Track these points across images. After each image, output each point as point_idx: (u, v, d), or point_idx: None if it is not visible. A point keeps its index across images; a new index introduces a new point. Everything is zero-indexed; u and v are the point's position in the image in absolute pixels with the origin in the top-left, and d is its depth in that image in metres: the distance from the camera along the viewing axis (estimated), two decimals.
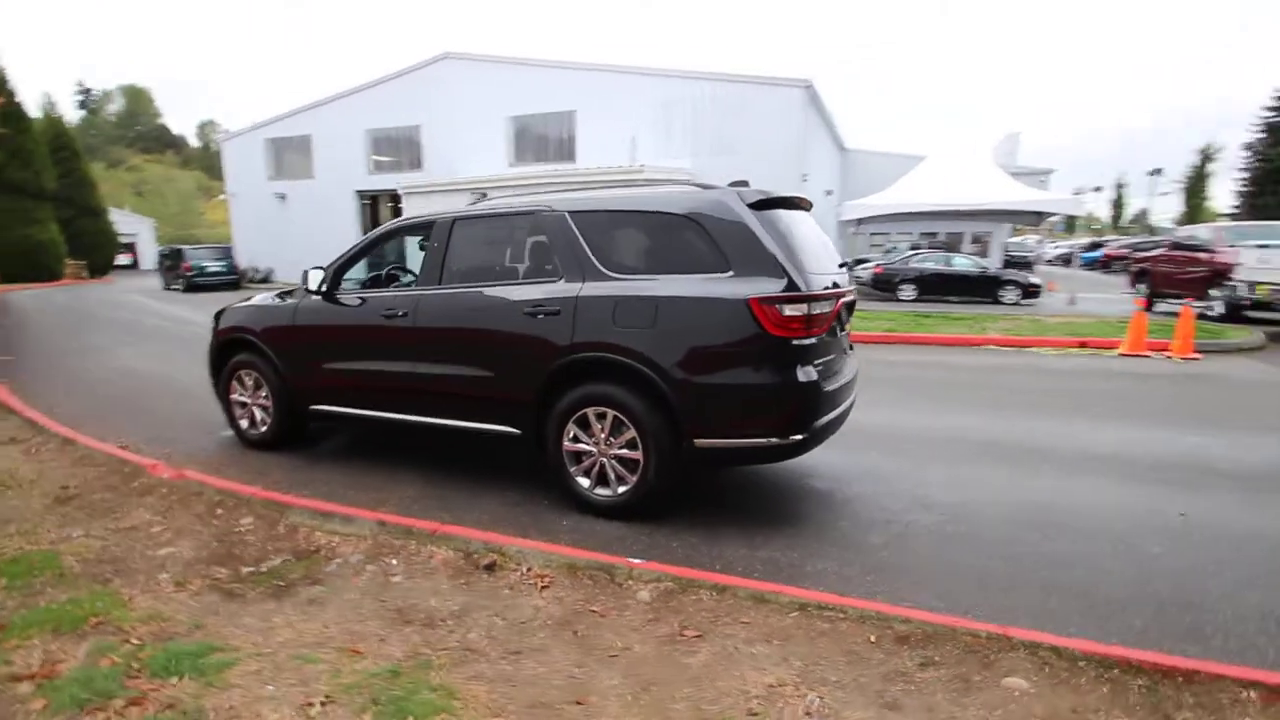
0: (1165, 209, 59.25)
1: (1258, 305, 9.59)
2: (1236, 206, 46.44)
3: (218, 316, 5.22)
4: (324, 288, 4.48)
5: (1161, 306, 12.95)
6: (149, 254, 44.00)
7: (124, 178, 56.42)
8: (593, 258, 3.65)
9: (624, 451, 3.58)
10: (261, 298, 5.18)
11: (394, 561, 3.11)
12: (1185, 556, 3.20)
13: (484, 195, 18.67)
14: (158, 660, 2.27)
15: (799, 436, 3.36)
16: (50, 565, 3.03)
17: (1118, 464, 4.56)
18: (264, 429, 4.96)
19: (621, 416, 3.53)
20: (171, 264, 23.32)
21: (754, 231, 3.36)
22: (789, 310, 3.25)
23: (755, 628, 2.48)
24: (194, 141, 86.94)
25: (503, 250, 4.22)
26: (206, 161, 77.21)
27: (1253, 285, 9.40)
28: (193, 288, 22.16)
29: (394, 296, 4.31)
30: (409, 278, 5.17)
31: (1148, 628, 2.58)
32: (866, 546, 3.33)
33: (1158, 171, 40.71)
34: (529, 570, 2.96)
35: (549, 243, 3.82)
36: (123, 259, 37.69)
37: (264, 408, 4.94)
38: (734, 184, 3.99)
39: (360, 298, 4.50)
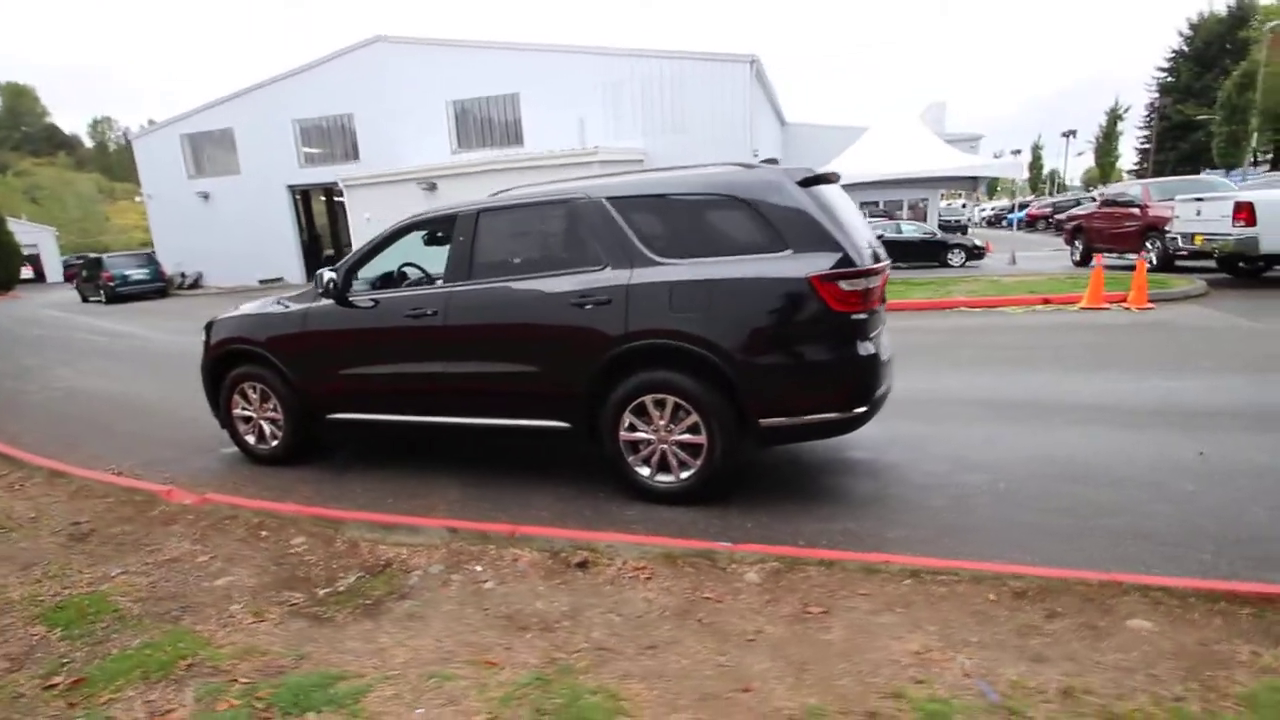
0: (1080, 169, 62.92)
1: (1195, 255, 10.33)
2: (1138, 163, 49.87)
3: (209, 328, 4.88)
4: (336, 289, 4.24)
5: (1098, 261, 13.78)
6: (54, 265, 40.70)
7: (14, 184, 51.66)
8: (638, 243, 3.59)
9: (685, 437, 3.57)
10: (258, 304, 4.87)
11: (478, 568, 3.01)
12: (1217, 492, 3.45)
13: (433, 186, 18.29)
14: (283, 696, 2.14)
15: (861, 409, 3.43)
16: (103, 608, 2.80)
17: (1118, 411, 4.85)
18: (275, 443, 4.70)
19: (683, 402, 3.51)
20: (89, 274, 21.64)
21: (808, 210, 3.37)
22: (848, 286, 3.29)
23: (875, 598, 2.54)
24: (88, 141, 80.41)
25: (536, 240, 4.08)
26: (104, 162, 71.65)
27: (1190, 236, 10.11)
28: (116, 299, 20.64)
29: (420, 295, 4.12)
30: (418, 274, 4.95)
31: (1217, 561, 2.78)
32: (931, 510, 3.45)
33: (1072, 133, 43.03)
34: (624, 564, 2.93)
35: (588, 230, 3.72)
36: (24, 272, 34.61)
37: (273, 421, 4.67)
38: (766, 161, 3.99)
39: (377, 298, 4.29)
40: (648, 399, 3.59)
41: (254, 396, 4.69)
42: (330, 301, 4.32)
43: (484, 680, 2.18)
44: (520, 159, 16.25)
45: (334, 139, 22.04)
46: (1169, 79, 47.38)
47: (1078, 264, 14.40)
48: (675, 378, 3.50)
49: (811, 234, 3.35)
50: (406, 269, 4.88)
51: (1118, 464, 3.89)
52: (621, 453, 3.70)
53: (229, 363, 4.74)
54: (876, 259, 3.63)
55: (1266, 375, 5.53)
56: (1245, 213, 8.96)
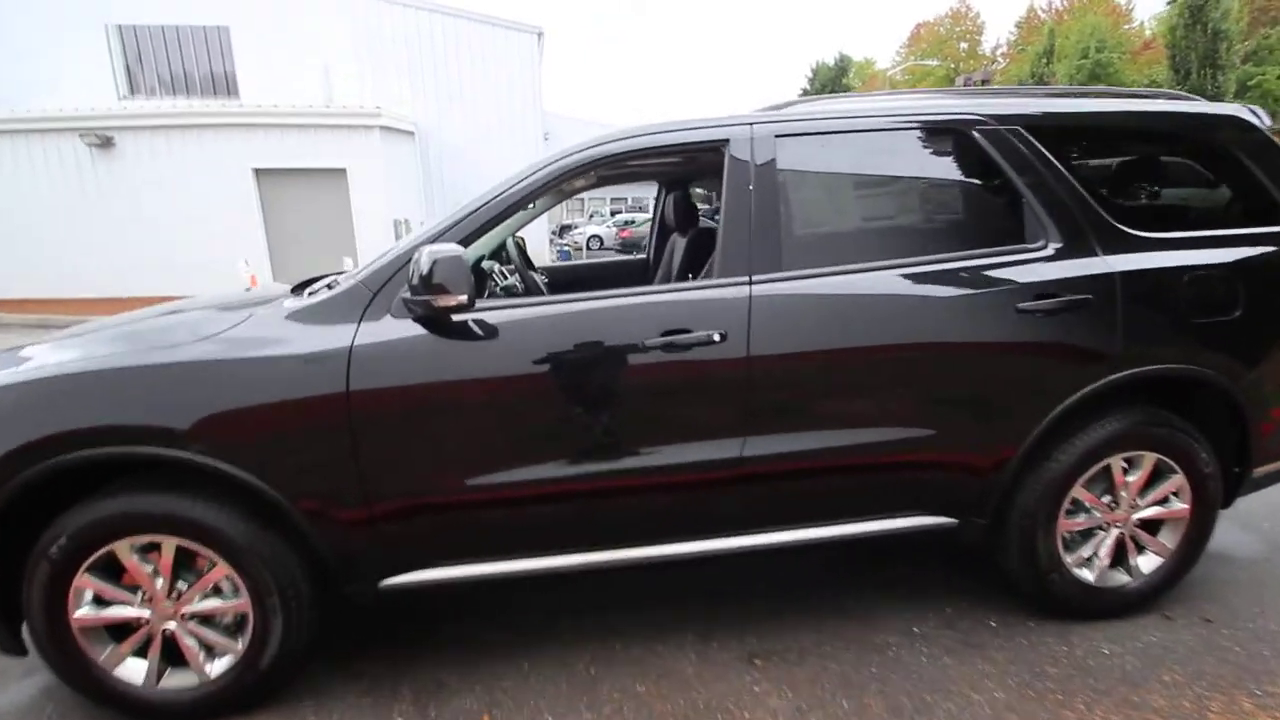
0: None
1: None
2: None
3: None
4: (438, 304, 1.81)
5: None
6: None
7: None
8: (1098, 206, 2.16)
9: (1153, 511, 2.29)
10: (109, 340, 2.03)
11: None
12: None
13: (109, 141, 12.66)
14: None
15: None
16: None
17: None
18: (216, 670, 1.97)
19: (1168, 460, 2.22)
20: None
21: None
22: None
23: None
24: None
25: (896, 196, 2.28)
26: None
27: None
28: None
29: (670, 300, 1.99)
30: (507, 274, 2.59)
31: None
32: None
33: None
34: None
35: (1008, 180, 2.15)
36: None
37: (212, 620, 1.94)
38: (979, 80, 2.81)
39: (532, 316, 2.00)
40: (1115, 460, 2.20)
41: (149, 573, 1.88)
42: (417, 326, 1.87)
43: None
44: (259, 114, 11.84)
45: None
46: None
47: None
48: (1171, 424, 2.19)
49: None
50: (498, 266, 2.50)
51: None
52: (1059, 552, 2.24)
53: (38, 499, 1.83)
54: None
55: None
56: None
